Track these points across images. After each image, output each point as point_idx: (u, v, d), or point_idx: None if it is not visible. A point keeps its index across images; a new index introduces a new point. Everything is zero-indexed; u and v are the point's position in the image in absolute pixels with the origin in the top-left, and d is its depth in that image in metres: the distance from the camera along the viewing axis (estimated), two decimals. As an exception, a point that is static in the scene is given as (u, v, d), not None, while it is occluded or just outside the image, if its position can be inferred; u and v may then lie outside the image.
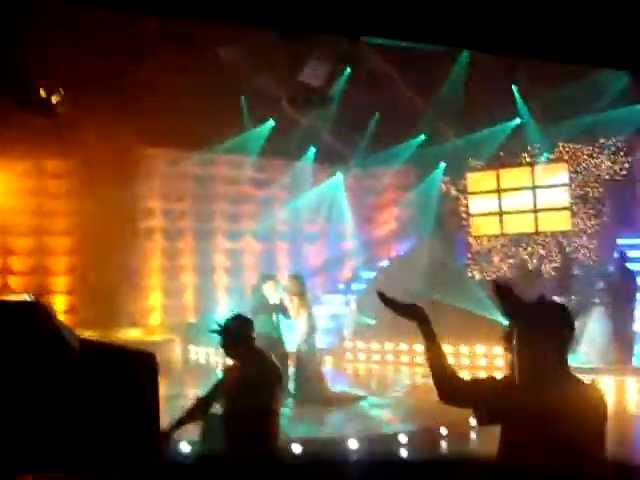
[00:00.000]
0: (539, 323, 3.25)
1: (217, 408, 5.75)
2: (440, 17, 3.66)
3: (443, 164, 18.35)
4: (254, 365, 5.15)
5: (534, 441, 3.05)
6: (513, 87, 16.47)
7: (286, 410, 10.80)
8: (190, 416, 5.42)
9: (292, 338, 12.17)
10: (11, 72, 11.10)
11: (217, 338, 14.45)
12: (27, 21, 11.95)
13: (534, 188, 17.60)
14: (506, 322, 3.44)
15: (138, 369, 3.83)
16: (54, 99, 12.06)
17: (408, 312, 3.46)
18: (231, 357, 5.32)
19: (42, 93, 11.77)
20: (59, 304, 16.11)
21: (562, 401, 3.12)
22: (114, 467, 3.35)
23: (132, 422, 3.72)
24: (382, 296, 3.47)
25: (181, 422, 5.35)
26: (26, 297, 14.69)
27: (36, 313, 3.62)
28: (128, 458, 3.58)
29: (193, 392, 13.06)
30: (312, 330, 11.39)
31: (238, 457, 4.77)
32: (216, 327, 5.29)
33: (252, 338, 5.27)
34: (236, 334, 5.22)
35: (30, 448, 3.18)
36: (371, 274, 18.53)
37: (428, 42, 4.01)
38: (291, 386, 11.37)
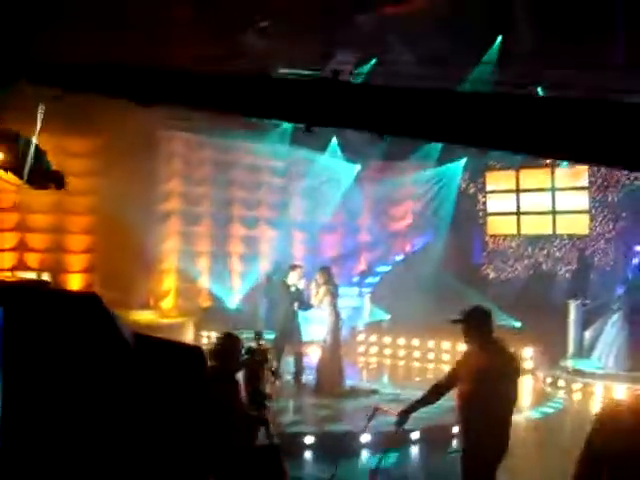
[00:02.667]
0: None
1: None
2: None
3: (463, 161, 18.26)
4: (497, 353, 5.37)
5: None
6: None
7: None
8: (425, 401, 5.73)
9: (309, 329, 12.23)
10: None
11: (231, 324, 14.25)
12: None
13: (553, 190, 17.54)
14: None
15: (188, 362, 3.86)
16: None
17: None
18: (471, 344, 5.50)
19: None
20: (74, 282, 16.17)
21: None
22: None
23: (185, 414, 3.75)
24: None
25: (415, 407, 5.68)
26: (42, 276, 14.78)
27: (95, 306, 3.65)
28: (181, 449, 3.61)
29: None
30: (337, 321, 11.45)
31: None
32: (458, 317, 5.52)
33: (492, 328, 5.47)
34: (479, 323, 5.42)
35: (93, 438, 3.20)
36: (386, 268, 18.53)
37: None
38: (311, 376, 11.45)
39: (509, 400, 5.35)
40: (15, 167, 6.45)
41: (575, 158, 3.82)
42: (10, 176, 6.73)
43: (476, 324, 5.45)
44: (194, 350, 4.00)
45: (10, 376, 3.16)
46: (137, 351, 3.58)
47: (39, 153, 6.60)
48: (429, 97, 4.17)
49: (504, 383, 5.25)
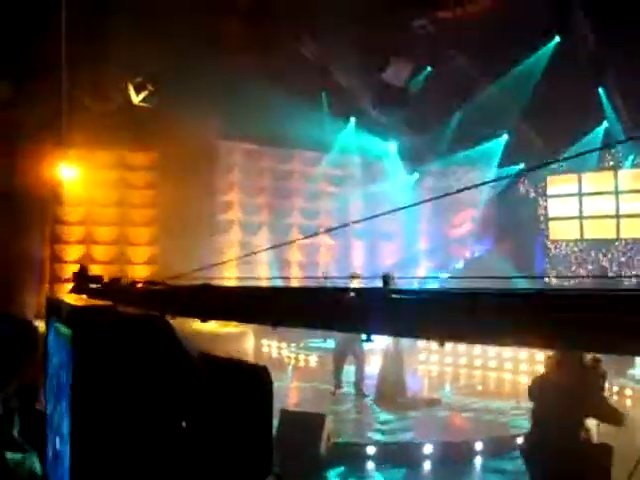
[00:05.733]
0: None
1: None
2: None
3: (522, 165, 17.99)
4: None
5: None
6: (600, 89, 16.05)
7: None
8: None
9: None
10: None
11: (290, 332, 14.23)
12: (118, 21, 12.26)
13: (617, 193, 17.13)
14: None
15: (255, 384, 3.88)
16: (142, 94, 12.31)
17: None
18: None
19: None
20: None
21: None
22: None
23: (249, 439, 3.78)
24: None
25: None
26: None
27: (161, 329, 3.69)
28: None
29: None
30: None
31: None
32: None
33: None
34: None
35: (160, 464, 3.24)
36: (445, 275, 18.34)
37: None
38: (372, 385, 11.44)
39: None
40: None
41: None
42: None
43: None
44: (261, 370, 3.99)
45: (79, 400, 3.21)
46: (205, 374, 3.60)
47: None
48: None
49: None
